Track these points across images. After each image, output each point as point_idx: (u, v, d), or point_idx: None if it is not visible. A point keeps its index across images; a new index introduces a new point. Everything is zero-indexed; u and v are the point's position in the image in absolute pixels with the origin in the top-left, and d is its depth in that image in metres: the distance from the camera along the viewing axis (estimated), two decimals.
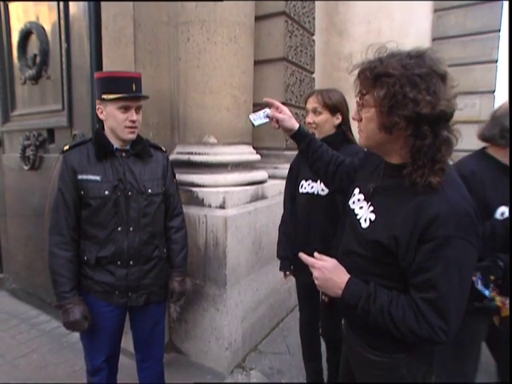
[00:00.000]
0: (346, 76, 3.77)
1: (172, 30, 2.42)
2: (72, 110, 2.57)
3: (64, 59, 2.53)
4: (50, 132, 2.77)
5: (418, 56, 0.90)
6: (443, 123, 0.90)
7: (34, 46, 2.82)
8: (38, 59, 2.76)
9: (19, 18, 2.93)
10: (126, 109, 1.51)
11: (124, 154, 1.60)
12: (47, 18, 2.68)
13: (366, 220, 1.06)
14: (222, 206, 2.28)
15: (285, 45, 3.07)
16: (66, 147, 1.56)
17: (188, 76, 2.43)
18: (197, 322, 2.39)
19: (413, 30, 4.65)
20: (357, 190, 1.20)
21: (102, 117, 1.56)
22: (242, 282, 2.41)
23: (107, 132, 1.59)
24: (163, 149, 1.81)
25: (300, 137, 1.48)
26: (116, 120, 1.52)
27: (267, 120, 1.51)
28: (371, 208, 1.06)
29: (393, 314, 0.94)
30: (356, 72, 0.99)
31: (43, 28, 2.71)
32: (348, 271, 1.06)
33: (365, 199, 1.12)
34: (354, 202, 1.18)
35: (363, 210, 1.10)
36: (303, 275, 1.93)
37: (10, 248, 3.39)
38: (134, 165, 1.61)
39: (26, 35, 2.84)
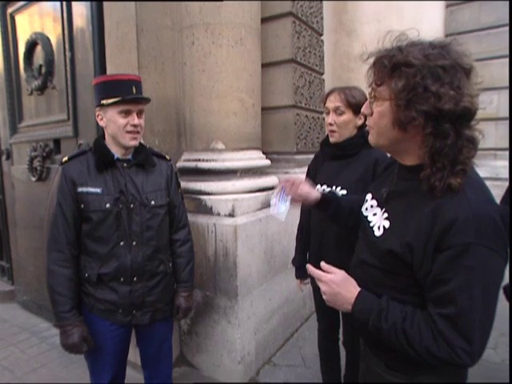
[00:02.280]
0: (356, 77, 3.67)
1: (176, 34, 2.36)
2: (77, 120, 2.53)
3: (68, 68, 2.51)
4: (57, 142, 2.74)
5: (441, 47, 0.82)
6: (466, 121, 0.82)
7: (39, 57, 2.81)
8: (43, 70, 2.74)
9: (25, 29, 2.93)
10: (126, 113, 1.43)
11: (125, 165, 1.52)
12: (52, 27, 2.66)
13: (379, 228, 0.97)
14: (232, 214, 2.20)
15: (293, 46, 2.99)
16: (65, 158, 1.49)
17: (193, 81, 2.37)
18: (208, 335, 2.30)
19: (424, 28, 4.45)
20: (369, 196, 1.10)
21: (102, 124, 1.48)
22: (254, 293, 2.32)
23: (108, 141, 1.52)
24: (167, 157, 1.73)
25: (325, 202, 1.34)
26: (116, 125, 1.43)
27: (288, 204, 1.31)
28: (385, 215, 0.97)
29: (407, 333, 0.84)
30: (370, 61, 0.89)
31: (48, 38, 2.69)
32: (360, 284, 0.97)
33: (378, 205, 1.03)
34: (366, 209, 1.09)
35: (377, 217, 1.00)
36: None
37: (21, 260, 3.37)
38: (135, 175, 1.53)
39: (31, 46, 2.83)
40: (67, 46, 2.48)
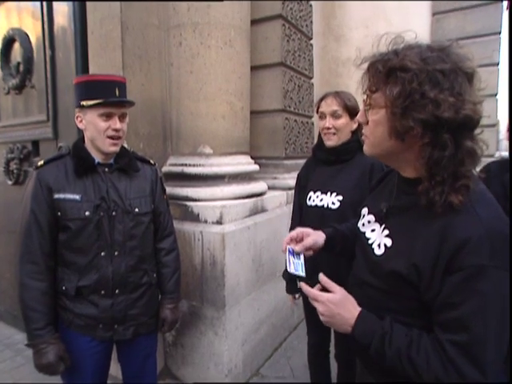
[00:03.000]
0: (345, 82, 3.63)
1: (163, 33, 2.27)
2: (57, 121, 2.41)
3: (48, 67, 2.38)
4: (35, 144, 2.60)
5: (440, 49, 0.76)
6: (468, 131, 0.76)
7: (17, 54, 2.67)
8: (21, 68, 2.61)
9: (2, 25, 2.78)
10: (108, 116, 1.33)
11: (107, 169, 1.42)
12: (31, 24, 2.53)
13: (380, 246, 0.90)
14: (219, 222, 2.11)
15: (282, 49, 2.93)
16: (41, 162, 1.38)
17: (181, 82, 2.28)
18: (194, 347, 2.21)
19: (411, 35, 4.55)
20: (365, 210, 1.03)
21: (81, 126, 1.38)
22: (242, 303, 2.24)
23: (88, 144, 1.41)
24: (151, 162, 1.63)
25: (331, 241, 1.21)
26: (96, 129, 1.34)
27: (302, 258, 1.17)
28: (386, 231, 0.90)
29: (414, 360, 0.77)
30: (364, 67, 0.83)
31: (27, 35, 2.56)
32: (361, 305, 0.90)
33: (376, 221, 0.96)
34: (363, 225, 1.01)
35: (376, 234, 0.93)
36: None
37: None
38: (118, 181, 1.43)
39: (8, 43, 2.69)
40: (47, 44, 2.36)
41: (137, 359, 1.57)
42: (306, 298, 1.83)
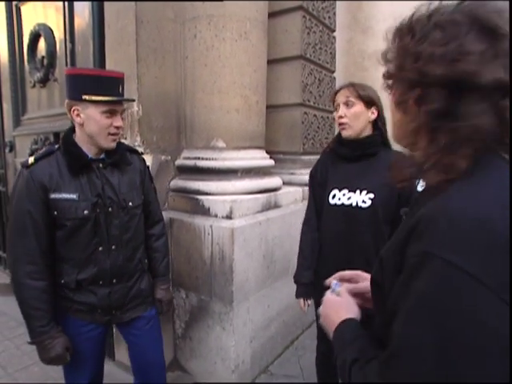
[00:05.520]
0: (371, 76, 3.49)
1: (178, 26, 2.26)
2: None
3: (69, 60, 2.44)
4: (57, 136, 2.68)
5: (459, 3, 0.59)
6: (477, 93, 0.54)
7: (42, 49, 2.76)
8: (45, 62, 2.69)
9: (30, 20, 2.88)
10: (111, 113, 1.34)
11: (101, 165, 1.41)
12: (54, 19, 2.61)
13: None
14: (229, 216, 2.09)
15: (302, 42, 2.86)
16: (31, 160, 1.33)
17: (195, 75, 2.27)
18: (202, 341, 2.21)
19: None
20: None
21: (78, 120, 1.34)
22: (251, 299, 2.21)
23: (81, 138, 1.38)
24: (139, 151, 1.66)
25: None
26: (99, 125, 1.33)
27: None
28: None
29: (352, 376, 0.64)
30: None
31: (51, 29, 2.64)
32: None
33: None
34: None
35: None
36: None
37: None
38: (111, 176, 1.43)
39: (35, 37, 2.79)
40: (68, 38, 2.42)
41: (141, 332, 1.60)
42: (317, 301, 1.76)
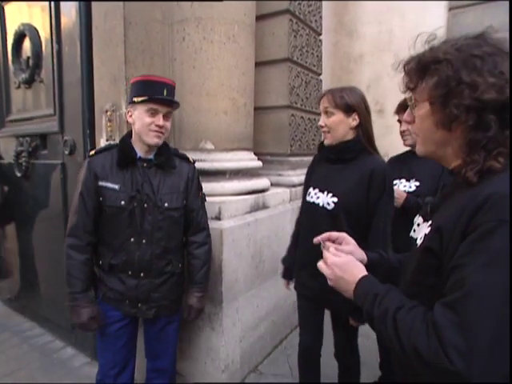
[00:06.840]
0: (356, 79, 3.57)
1: (166, 28, 2.27)
2: (63, 115, 2.44)
3: (55, 61, 2.41)
4: (43, 138, 2.65)
5: (476, 37, 0.76)
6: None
7: (27, 49, 2.72)
8: (30, 62, 2.65)
9: (15, 19, 2.83)
10: (154, 112, 1.49)
11: (145, 164, 1.57)
12: (40, 19, 2.57)
13: (421, 238, 0.87)
14: (218, 217, 2.11)
15: (289, 45, 2.90)
16: (92, 152, 1.58)
17: (183, 77, 2.28)
18: (192, 342, 2.22)
19: (426, 30, 4.42)
20: (419, 219, 0.98)
21: (130, 120, 1.56)
22: (241, 299, 2.23)
23: (134, 138, 1.58)
24: (190, 159, 1.74)
25: (372, 268, 1.07)
26: (142, 123, 1.50)
27: None
28: (429, 222, 0.87)
29: (398, 322, 0.73)
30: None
31: (36, 30, 2.60)
32: None
33: (424, 220, 0.94)
34: (414, 231, 0.99)
35: (421, 231, 0.90)
36: (304, 288, 1.75)
37: (6, 257, 3.30)
38: (154, 176, 1.58)
39: (19, 37, 2.74)
40: (54, 38, 2.39)
41: (158, 340, 1.75)
42: (299, 290, 1.80)
